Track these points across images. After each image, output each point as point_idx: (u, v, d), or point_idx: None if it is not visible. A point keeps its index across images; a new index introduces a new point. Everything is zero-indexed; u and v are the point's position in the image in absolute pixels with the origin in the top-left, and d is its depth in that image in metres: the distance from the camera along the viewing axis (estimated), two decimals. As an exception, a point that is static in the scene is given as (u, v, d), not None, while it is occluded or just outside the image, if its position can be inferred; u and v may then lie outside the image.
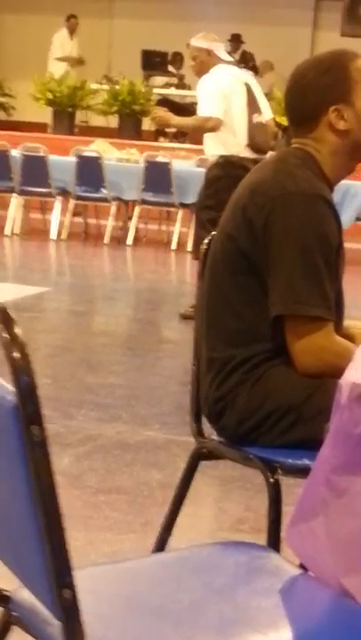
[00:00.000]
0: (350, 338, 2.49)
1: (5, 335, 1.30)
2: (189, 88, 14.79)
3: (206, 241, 2.62)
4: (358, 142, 2.47)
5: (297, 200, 2.35)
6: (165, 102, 14.19)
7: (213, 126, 6.55)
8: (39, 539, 1.33)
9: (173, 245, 10.56)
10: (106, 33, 17.37)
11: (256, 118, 6.72)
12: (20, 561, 1.46)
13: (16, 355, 1.29)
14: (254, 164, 6.23)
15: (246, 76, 7.02)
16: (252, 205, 2.40)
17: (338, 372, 2.35)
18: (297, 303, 2.33)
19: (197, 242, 6.92)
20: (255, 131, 6.68)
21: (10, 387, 1.33)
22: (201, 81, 6.76)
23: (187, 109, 14.64)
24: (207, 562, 1.73)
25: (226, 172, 6.46)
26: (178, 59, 15.18)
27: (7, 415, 1.32)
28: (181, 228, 10.55)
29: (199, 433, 2.60)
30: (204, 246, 2.62)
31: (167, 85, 14.83)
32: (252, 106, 6.74)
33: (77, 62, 15.20)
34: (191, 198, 10.45)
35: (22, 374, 1.29)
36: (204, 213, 6.69)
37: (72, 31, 15.49)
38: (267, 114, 6.95)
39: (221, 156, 6.59)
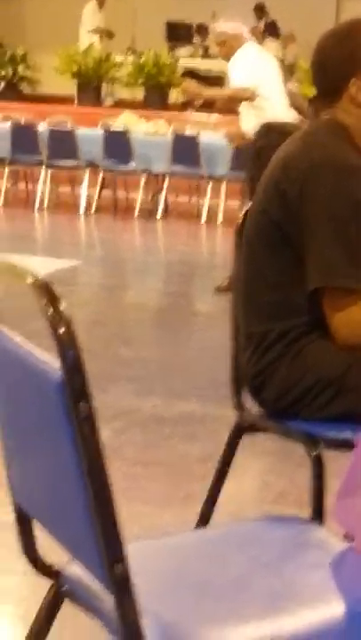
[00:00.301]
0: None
1: (51, 311, 1.29)
2: (215, 58, 14.70)
3: (241, 215, 2.60)
4: None
5: (328, 171, 2.32)
6: (190, 74, 14.12)
7: (250, 96, 6.54)
8: (90, 514, 1.33)
9: (203, 218, 10.53)
10: (130, 5, 17.25)
11: (289, 86, 6.78)
12: (71, 536, 1.46)
13: (62, 330, 1.28)
14: (296, 129, 6.25)
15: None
16: (285, 178, 2.37)
17: (377, 343, 2.34)
18: (332, 276, 2.31)
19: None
20: (293, 95, 6.74)
21: (56, 362, 1.33)
22: (233, 58, 6.80)
23: (212, 81, 14.57)
24: (253, 536, 1.73)
25: (269, 140, 6.40)
26: (202, 29, 15.09)
27: (54, 391, 1.31)
28: (211, 201, 10.51)
29: (240, 406, 2.58)
30: (239, 220, 2.60)
31: (192, 56, 14.75)
32: (285, 75, 6.80)
33: (108, 35, 15.12)
34: (220, 170, 10.41)
35: (68, 349, 1.28)
36: (252, 184, 6.66)
37: (101, 4, 15.39)
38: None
39: (263, 125, 6.54)
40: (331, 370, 2.36)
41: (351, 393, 2.34)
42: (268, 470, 3.70)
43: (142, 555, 1.66)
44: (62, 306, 1.29)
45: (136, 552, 1.65)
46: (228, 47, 6.83)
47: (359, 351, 2.35)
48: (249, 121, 6.72)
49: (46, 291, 1.30)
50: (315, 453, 2.31)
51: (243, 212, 2.59)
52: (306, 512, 3.34)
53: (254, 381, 2.46)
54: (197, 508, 2.65)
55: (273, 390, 2.42)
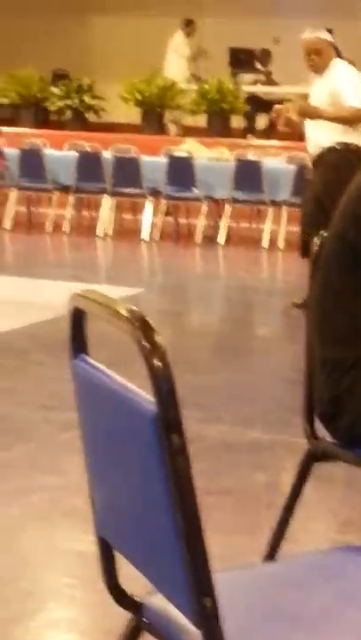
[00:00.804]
0: None
1: (146, 343, 1.30)
2: (277, 84, 14.73)
3: (317, 242, 2.60)
4: None
5: None
6: (254, 99, 14.17)
7: None
8: (180, 546, 1.32)
9: (265, 243, 10.52)
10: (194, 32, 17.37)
11: None
12: (156, 567, 1.46)
13: (157, 363, 1.29)
14: None
15: None
16: None
17: None
18: None
19: (303, 219, 6.84)
20: None
21: (148, 395, 1.33)
22: (340, 70, 6.61)
23: (275, 105, 14.59)
24: (336, 567, 1.71)
25: (344, 157, 6.37)
26: (265, 55, 15.12)
27: (148, 423, 1.32)
28: (273, 226, 10.51)
29: (313, 435, 2.57)
30: (315, 247, 2.60)
31: (255, 82, 14.78)
32: None
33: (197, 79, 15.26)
34: (282, 195, 10.41)
35: (164, 382, 1.29)
36: (312, 191, 6.65)
37: (189, 33, 15.47)
38: None
39: (340, 143, 6.48)
40: None
41: None
42: (331, 498, 3.67)
43: (225, 587, 1.65)
44: (158, 338, 1.30)
45: (220, 583, 1.65)
46: (326, 57, 6.58)
47: None
48: (330, 136, 6.60)
49: (142, 322, 1.31)
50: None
51: (319, 242, 2.59)
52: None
53: (330, 407, 2.44)
54: (265, 537, 2.63)
55: (348, 417, 2.40)
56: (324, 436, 2.55)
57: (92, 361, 1.54)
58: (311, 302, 2.58)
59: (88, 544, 3.15)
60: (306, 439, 2.58)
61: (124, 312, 1.34)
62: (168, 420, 1.29)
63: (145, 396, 1.35)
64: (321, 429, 2.55)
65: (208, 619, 1.34)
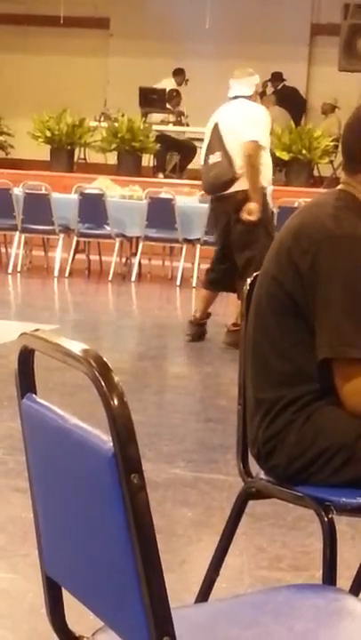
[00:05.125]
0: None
1: (103, 382, 1.30)
2: (187, 125, 14.86)
3: (249, 282, 2.62)
4: None
5: (342, 242, 2.36)
6: (164, 138, 14.26)
7: None
8: (139, 585, 1.31)
9: (178, 281, 10.57)
10: (102, 71, 17.46)
11: (211, 159, 7.03)
12: (113, 607, 1.44)
13: (115, 402, 1.29)
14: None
15: (225, 111, 7.11)
16: (297, 249, 2.40)
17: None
18: (344, 346, 2.33)
19: None
20: (205, 174, 7.10)
21: (106, 436, 1.33)
22: None
23: (184, 145, 14.71)
24: (286, 605, 1.72)
25: None
26: (175, 95, 15.23)
27: (105, 463, 1.31)
28: (185, 264, 10.57)
29: (247, 473, 2.58)
30: (247, 287, 2.62)
31: (164, 122, 14.87)
32: (211, 147, 7.04)
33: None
34: (195, 234, 10.49)
35: (122, 422, 1.29)
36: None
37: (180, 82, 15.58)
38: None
39: None
40: (342, 436, 2.38)
41: (363, 459, 2.36)
42: (259, 535, 3.68)
43: (179, 625, 1.64)
44: (115, 377, 1.30)
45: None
46: None
47: (371, 418, 2.36)
48: None
49: (98, 362, 1.31)
50: (326, 519, 2.31)
51: (250, 280, 2.61)
52: (302, 577, 3.33)
53: (265, 447, 2.46)
54: (196, 573, 2.62)
55: (284, 455, 2.42)
56: (257, 473, 2.57)
57: (41, 400, 1.53)
58: (244, 343, 2.59)
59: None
60: (239, 477, 2.59)
61: (78, 351, 1.34)
62: (127, 459, 1.29)
63: (101, 435, 1.35)
64: (253, 467, 2.57)
65: (168, 658, 1.33)
